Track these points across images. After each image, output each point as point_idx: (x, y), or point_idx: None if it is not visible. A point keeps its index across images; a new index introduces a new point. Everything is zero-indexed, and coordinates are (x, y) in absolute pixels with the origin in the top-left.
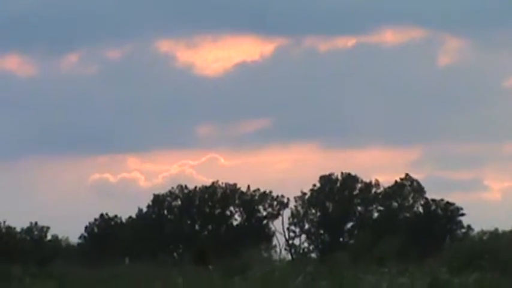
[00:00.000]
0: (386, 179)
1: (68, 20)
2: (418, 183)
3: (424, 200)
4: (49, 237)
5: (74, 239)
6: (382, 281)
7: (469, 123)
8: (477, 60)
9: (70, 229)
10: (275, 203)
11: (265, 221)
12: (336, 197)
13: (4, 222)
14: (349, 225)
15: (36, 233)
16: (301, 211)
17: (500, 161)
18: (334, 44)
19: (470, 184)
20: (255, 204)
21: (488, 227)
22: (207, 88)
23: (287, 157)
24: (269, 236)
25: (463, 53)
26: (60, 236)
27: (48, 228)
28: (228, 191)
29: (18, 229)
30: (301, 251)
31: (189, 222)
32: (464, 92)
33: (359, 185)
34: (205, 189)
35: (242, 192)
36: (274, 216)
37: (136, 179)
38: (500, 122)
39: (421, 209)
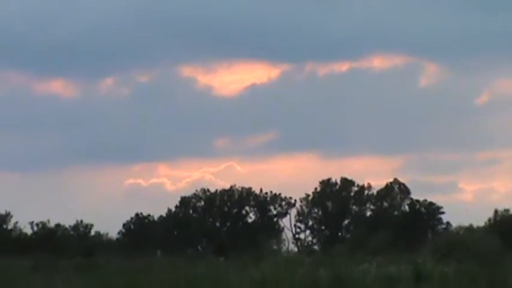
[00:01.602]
0: (378, 183)
1: (105, 49)
2: (405, 186)
3: (409, 200)
4: (93, 233)
5: (114, 235)
6: (374, 268)
7: (447, 135)
8: (453, 82)
9: (110, 226)
10: (283, 203)
11: (275, 219)
12: (334, 198)
13: (48, 221)
14: (346, 222)
15: (81, 229)
16: (306, 210)
17: (472, 167)
18: (331, 69)
19: (448, 187)
20: (267, 205)
21: (464, 223)
22: (224, 107)
23: (292, 165)
24: (279, 231)
25: (440, 76)
26: (102, 232)
27: (92, 225)
28: (243, 193)
29: (66, 226)
30: (306, 244)
31: (210, 220)
32: (441, 109)
33: (354, 188)
34: (224, 191)
35: (256, 194)
36: (283, 214)
37: (164, 183)
38: (472, 134)
39: (407, 208)
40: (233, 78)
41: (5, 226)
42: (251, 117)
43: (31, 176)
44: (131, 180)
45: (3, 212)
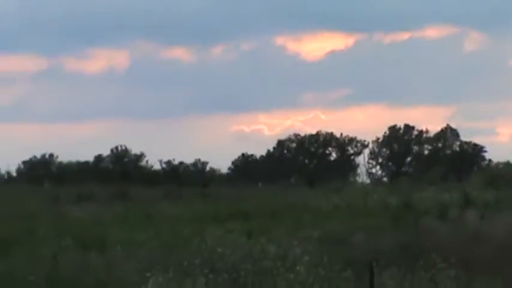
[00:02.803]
0: (433, 128)
1: (216, 23)
2: (455, 130)
3: (459, 142)
4: (208, 168)
5: (224, 170)
6: (432, 195)
7: (486, 89)
8: (491, 46)
9: (221, 163)
10: (358, 144)
11: (352, 157)
12: (399, 140)
13: (173, 159)
14: (409, 159)
15: (199, 166)
16: (376, 150)
17: (508, 115)
18: (394, 38)
19: (488, 131)
20: (345, 146)
21: (502, 159)
22: (309, 68)
23: (365, 114)
24: (355, 167)
25: (481, 42)
26: (215, 168)
27: (207, 162)
28: (327, 137)
29: (187, 163)
30: (377, 177)
31: (301, 158)
32: (482, 68)
33: (414, 132)
34: (311, 135)
35: (336, 137)
36: (358, 153)
37: (263, 129)
38: (506, 88)
39: (457, 148)
40: (316, 46)
41: (140, 164)
42: (331, 76)
43: (160, 122)
44: (237, 127)
45: (138, 153)
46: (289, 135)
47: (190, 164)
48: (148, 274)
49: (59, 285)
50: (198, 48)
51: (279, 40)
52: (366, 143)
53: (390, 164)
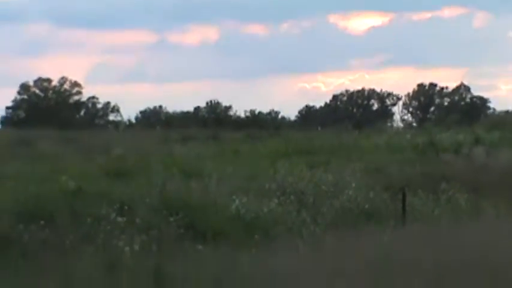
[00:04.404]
0: (451, 85)
1: (283, 5)
2: (467, 86)
3: (470, 95)
4: (279, 117)
5: (292, 118)
6: (449, 136)
7: (490, 55)
8: (495, 22)
9: (290, 112)
10: (394, 97)
11: (389, 107)
12: (425, 94)
13: (255, 110)
14: (432, 109)
15: (273, 115)
16: (408, 102)
17: (507, 75)
18: (419, 16)
19: (492, 87)
20: (384, 98)
21: (503, 109)
22: (355, 40)
23: (399, 74)
24: (391, 115)
25: (487, 19)
26: (285, 116)
27: (279, 112)
28: (370, 92)
29: (264, 112)
30: (408, 123)
31: (350, 108)
32: (488, 40)
33: (437, 88)
34: (358, 91)
35: (377, 92)
36: (393, 104)
37: (321, 86)
38: (506, 55)
39: (469, 100)
40: (360, 23)
41: (228, 113)
42: (372, 46)
43: (243, 82)
44: (301, 85)
45: (228, 105)
46: (341, 91)
47: (266, 113)
48: (234, 197)
49: (168, 205)
50: (270, 24)
51: (332, 18)
52: (400, 96)
53: (418, 112)
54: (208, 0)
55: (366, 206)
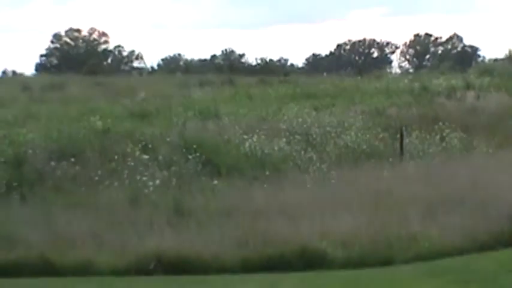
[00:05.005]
0: (444, 35)
1: None
2: (459, 36)
3: (462, 44)
4: (288, 64)
5: (300, 65)
6: (443, 81)
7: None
8: None
9: (298, 60)
10: (393, 46)
11: (388, 55)
12: (421, 43)
13: (266, 57)
14: (427, 56)
15: (282, 61)
16: (405, 50)
17: (494, 25)
18: None
19: (484, 40)
20: (383, 47)
21: (492, 57)
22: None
23: (397, 24)
24: (390, 62)
25: None
26: (294, 63)
27: (288, 59)
28: (371, 41)
29: (274, 60)
30: (405, 69)
31: (353, 56)
32: None
33: (432, 38)
34: (360, 40)
35: (377, 42)
36: (392, 52)
37: (327, 35)
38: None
39: (460, 49)
40: None
41: (242, 60)
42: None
43: (253, 32)
44: (307, 34)
45: (241, 53)
46: (345, 40)
47: (276, 60)
48: (246, 136)
49: (187, 144)
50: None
51: None
52: (398, 45)
53: (415, 59)
54: None
55: (367, 146)
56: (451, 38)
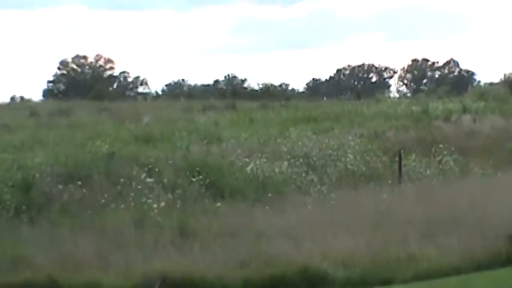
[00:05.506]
0: (441, 60)
1: None
2: (456, 61)
3: (459, 69)
4: (289, 88)
5: (301, 89)
6: (440, 105)
7: (477, 34)
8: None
9: (298, 85)
10: (391, 71)
11: (386, 80)
12: (418, 68)
13: (268, 83)
14: (425, 81)
15: (284, 86)
16: (403, 75)
17: (489, 53)
18: (410, 3)
19: (481, 65)
20: (382, 72)
21: (488, 81)
22: (355, 21)
23: (395, 50)
24: (388, 86)
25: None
26: (294, 88)
27: (289, 84)
28: (369, 66)
29: (276, 85)
30: (403, 93)
31: (352, 80)
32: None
33: (429, 63)
34: (359, 65)
35: (376, 66)
36: (390, 77)
37: (326, 61)
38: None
39: (457, 73)
40: (358, 6)
41: (244, 85)
42: (371, 25)
43: (257, 57)
44: (307, 60)
45: (243, 78)
46: (344, 65)
47: (278, 85)
48: (249, 159)
49: (191, 167)
50: (279, 7)
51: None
52: (396, 70)
53: (412, 84)
54: None
55: (366, 168)
56: (447, 62)
